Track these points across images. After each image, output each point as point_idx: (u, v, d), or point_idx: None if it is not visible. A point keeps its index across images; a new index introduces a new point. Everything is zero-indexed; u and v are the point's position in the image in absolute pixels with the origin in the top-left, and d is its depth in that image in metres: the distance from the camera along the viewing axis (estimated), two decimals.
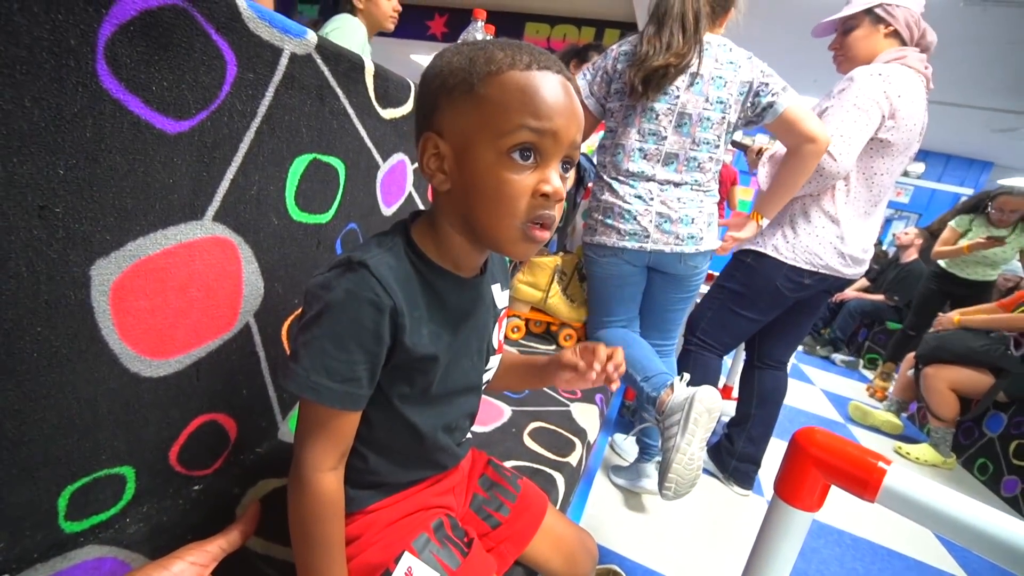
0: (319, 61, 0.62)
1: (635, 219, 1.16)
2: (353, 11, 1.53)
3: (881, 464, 0.49)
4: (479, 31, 1.12)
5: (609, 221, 1.18)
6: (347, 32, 1.46)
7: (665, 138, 1.14)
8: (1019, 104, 3.90)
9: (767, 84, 1.12)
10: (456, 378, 0.49)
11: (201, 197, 0.52)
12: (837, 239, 1.31)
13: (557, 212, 0.43)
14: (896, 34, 1.29)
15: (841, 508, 1.64)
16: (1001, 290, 3.35)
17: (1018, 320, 2.16)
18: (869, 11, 1.29)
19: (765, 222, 1.29)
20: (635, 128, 1.15)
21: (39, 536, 0.45)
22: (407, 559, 0.44)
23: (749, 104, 1.15)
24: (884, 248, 4.50)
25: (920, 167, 6.15)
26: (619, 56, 1.15)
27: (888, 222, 6.38)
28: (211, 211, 0.54)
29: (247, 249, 0.59)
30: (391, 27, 1.61)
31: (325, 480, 0.41)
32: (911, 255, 3.51)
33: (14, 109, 0.37)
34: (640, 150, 1.15)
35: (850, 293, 3.87)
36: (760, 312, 1.41)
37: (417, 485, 0.50)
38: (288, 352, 0.60)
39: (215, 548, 0.43)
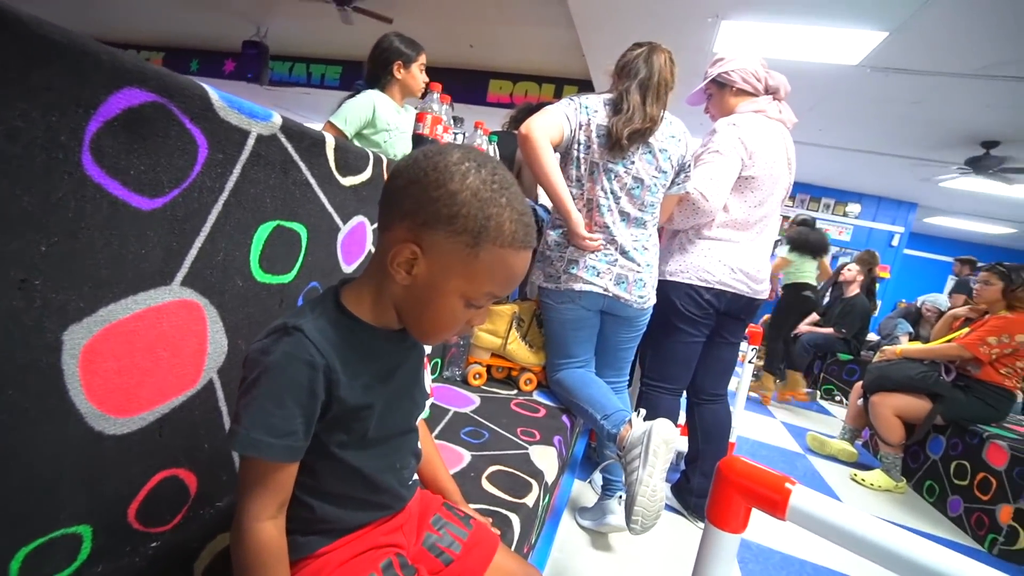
0: (283, 139, 0.69)
1: (599, 274, 1.27)
2: (388, 83, 1.83)
3: (787, 485, 0.56)
4: (435, 102, 1.23)
5: (573, 271, 1.28)
6: (356, 102, 1.75)
7: (620, 199, 1.26)
8: (929, 153, 4.35)
9: (688, 166, 1.32)
10: (394, 422, 0.54)
11: (171, 264, 0.57)
12: (725, 255, 1.47)
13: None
14: (742, 91, 1.54)
15: (796, 536, 1.70)
16: (928, 320, 3.64)
17: (946, 351, 2.34)
18: (714, 80, 1.58)
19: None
20: (599, 185, 1.26)
21: None
22: None
23: (673, 176, 1.31)
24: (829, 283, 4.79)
25: (856, 208, 6.66)
26: (581, 106, 1.24)
27: (834, 259, 6.81)
28: (180, 276, 0.58)
29: (212, 310, 0.63)
30: (420, 96, 1.90)
31: (265, 529, 0.44)
32: (853, 290, 3.77)
33: (6, 197, 0.42)
34: (606, 206, 1.26)
35: (803, 328, 4.08)
36: (684, 335, 1.52)
37: (366, 527, 0.53)
38: None
39: None
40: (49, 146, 0.44)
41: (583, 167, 1.26)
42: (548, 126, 1.20)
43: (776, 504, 0.55)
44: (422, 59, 1.84)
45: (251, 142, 0.64)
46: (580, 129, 1.23)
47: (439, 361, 1.38)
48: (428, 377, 0.61)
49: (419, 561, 0.57)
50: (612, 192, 1.25)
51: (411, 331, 0.54)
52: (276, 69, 5.81)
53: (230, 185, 0.62)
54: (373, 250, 0.97)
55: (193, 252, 0.59)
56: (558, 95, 4.93)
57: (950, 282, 7.90)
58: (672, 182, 1.31)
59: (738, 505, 0.59)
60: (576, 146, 1.25)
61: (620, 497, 1.40)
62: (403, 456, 0.57)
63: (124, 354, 0.53)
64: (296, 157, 0.72)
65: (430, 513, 0.63)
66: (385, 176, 0.86)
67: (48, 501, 0.49)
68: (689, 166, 1.31)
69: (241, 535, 0.44)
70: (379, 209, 0.51)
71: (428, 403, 0.62)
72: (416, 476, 0.61)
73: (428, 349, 0.61)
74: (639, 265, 1.29)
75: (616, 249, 1.28)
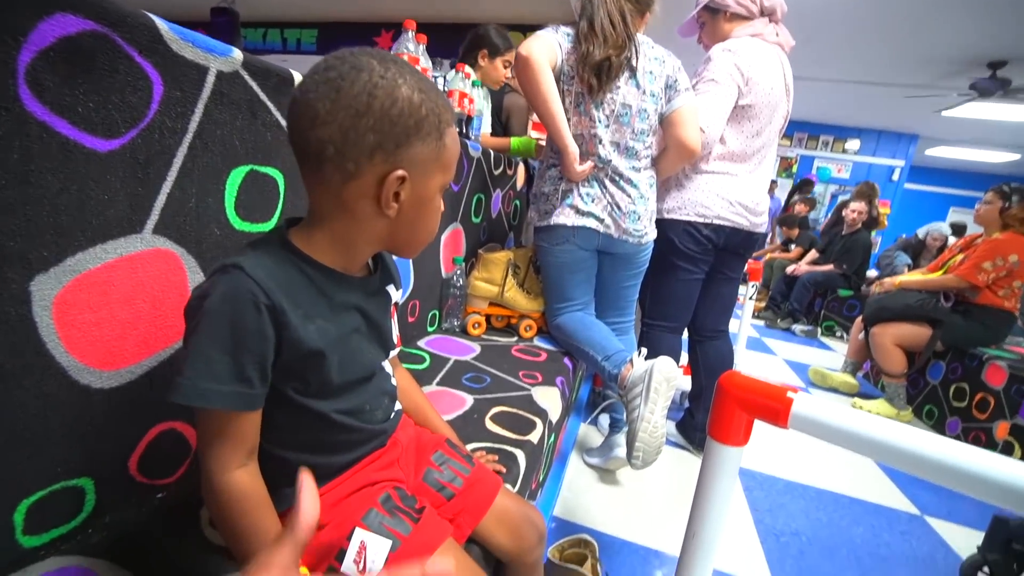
0: (247, 77, 0.65)
1: (592, 201, 1.24)
2: (472, 68, 1.83)
3: (789, 394, 0.55)
4: (411, 41, 1.16)
5: (568, 202, 1.25)
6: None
7: (608, 127, 1.22)
8: (932, 79, 4.20)
9: (677, 80, 1.24)
10: (355, 368, 0.51)
11: (139, 212, 0.54)
12: (723, 188, 1.43)
13: None
14: (736, 15, 1.46)
15: (803, 461, 1.74)
16: (931, 250, 3.61)
17: (944, 282, 2.33)
18: (706, 6, 1.49)
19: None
20: (587, 117, 1.21)
21: None
22: (359, 534, 0.46)
23: (665, 98, 1.24)
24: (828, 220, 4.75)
25: (856, 143, 6.52)
26: (563, 36, 1.18)
27: (833, 197, 6.73)
28: (150, 224, 0.56)
29: (191, 259, 0.61)
30: (497, 88, 1.99)
31: (235, 478, 0.42)
32: (856, 226, 3.73)
33: None
34: (594, 137, 1.22)
35: (803, 267, 4.07)
36: (684, 273, 1.50)
37: (355, 466, 0.53)
38: None
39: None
40: None
41: (568, 99, 1.21)
42: (546, 48, 1.15)
43: (778, 413, 0.54)
44: (509, 56, 1.92)
45: (211, 79, 0.60)
46: (565, 60, 1.18)
47: (437, 312, 1.37)
48: (394, 326, 0.59)
49: (419, 495, 0.56)
50: (599, 121, 1.21)
51: (401, 252, 0.54)
52: (249, 37, 5.54)
53: (193, 126, 0.59)
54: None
55: (161, 198, 0.57)
56: None
57: (952, 215, 7.84)
58: (668, 100, 1.25)
59: (739, 418, 0.58)
60: (562, 77, 1.19)
61: (625, 432, 1.43)
62: (372, 398, 0.54)
63: (100, 306, 0.52)
64: (263, 96, 0.68)
65: (431, 449, 0.63)
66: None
67: (41, 456, 0.49)
68: (677, 82, 1.25)
69: (212, 490, 0.42)
70: (322, 161, 0.44)
71: (395, 351, 0.60)
72: (398, 407, 0.60)
73: (395, 297, 0.59)
74: (631, 197, 1.25)
75: (607, 178, 1.25)
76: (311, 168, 0.46)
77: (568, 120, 1.22)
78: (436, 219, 0.53)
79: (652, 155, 1.31)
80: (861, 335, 2.64)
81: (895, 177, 6.44)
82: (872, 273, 4.26)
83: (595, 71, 1.15)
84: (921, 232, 4.25)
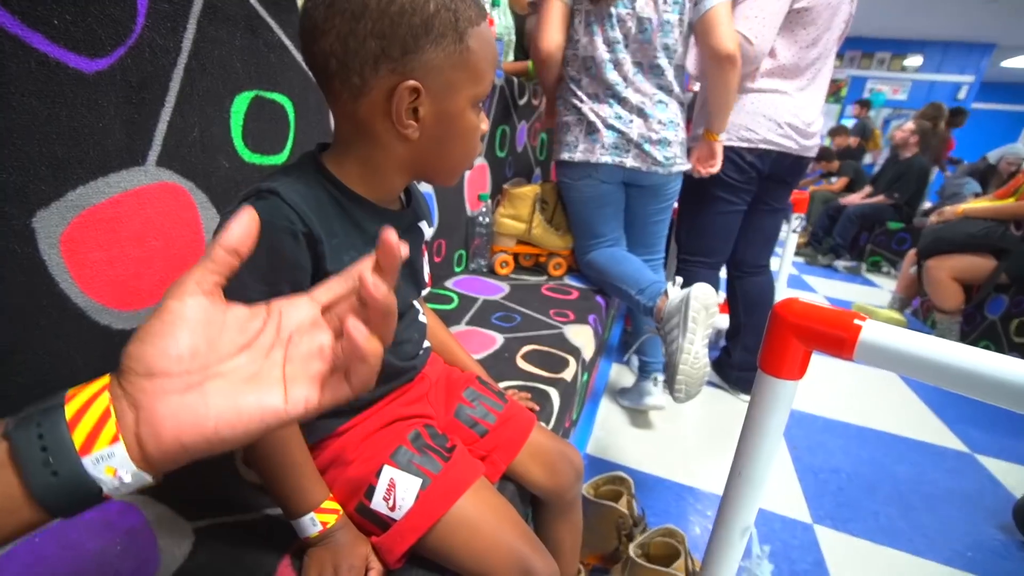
0: None
1: (617, 132, 1.15)
2: None
3: (856, 321, 0.49)
4: None
5: (591, 134, 1.17)
6: None
7: (628, 46, 1.10)
8: None
9: None
10: None
11: (138, 141, 0.51)
12: (770, 108, 1.29)
13: None
14: None
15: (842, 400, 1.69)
16: (1003, 176, 3.28)
17: (1017, 208, 2.12)
18: None
19: (724, 137, 1.26)
20: (600, 37, 1.10)
21: None
22: (387, 471, 0.45)
23: (692, 1, 1.09)
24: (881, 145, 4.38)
25: (917, 60, 5.88)
26: None
27: (886, 122, 6.18)
28: (152, 156, 0.52)
29: (200, 194, 0.57)
30: (524, 12, 1.98)
31: None
32: (911, 151, 3.41)
33: None
34: (611, 61, 1.12)
35: (851, 198, 3.81)
36: (723, 204, 1.39)
37: (382, 400, 0.51)
38: None
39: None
40: None
41: (577, 19, 1.10)
42: (557, 27, 1.12)
43: (843, 343, 0.48)
44: None
45: None
46: None
47: (463, 253, 1.33)
48: (426, 264, 0.55)
49: (451, 431, 0.55)
50: (616, 41, 1.09)
51: (435, 180, 0.48)
52: None
53: (187, 45, 0.53)
54: None
55: (162, 127, 0.52)
56: None
57: None
58: (695, 3, 1.10)
59: (796, 350, 0.53)
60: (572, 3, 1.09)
61: (655, 378, 1.39)
62: (401, 332, 0.52)
63: (111, 244, 0.49)
64: (262, 11, 0.62)
65: (462, 386, 0.60)
66: None
67: None
68: None
69: None
70: (329, 78, 0.40)
71: (425, 292, 0.57)
72: (427, 344, 0.58)
73: (427, 234, 0.54)
74: (661, 123, 1.15)
75: (630, 109, 1.14)
76: (324, 87, 0.42)
77: (578, 42, 1.13)
78: (472, 139, 0.46)
79: (680, 76, 1.18)
80: (913, 269, 2.47)
81: (961, 95, 5.82)
82: (927, 204, 3.95)
83: None
84: (993, 156, 3.83)
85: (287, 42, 0.66)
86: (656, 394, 1.38)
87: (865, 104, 4.82)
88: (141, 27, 0.49)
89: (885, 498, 1.24)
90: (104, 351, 0.50)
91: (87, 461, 0.20)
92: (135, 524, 0.45)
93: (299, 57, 0.69)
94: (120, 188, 0.49)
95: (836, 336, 0.49)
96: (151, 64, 0.50)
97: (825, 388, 1.77)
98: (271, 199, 0.39)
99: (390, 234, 0.24)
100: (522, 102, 1.50)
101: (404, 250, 0.25)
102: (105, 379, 0.21)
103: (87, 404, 0.20)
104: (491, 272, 1.33)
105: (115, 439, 0.20)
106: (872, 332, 0.47)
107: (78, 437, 0.20)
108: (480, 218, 1.28)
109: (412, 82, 0.39)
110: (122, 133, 0.49)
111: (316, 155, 0.45)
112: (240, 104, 0.61)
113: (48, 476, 0.19)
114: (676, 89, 1.17)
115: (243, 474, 0.53)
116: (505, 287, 1.23)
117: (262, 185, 0.40)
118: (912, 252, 2.52)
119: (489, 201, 1.33)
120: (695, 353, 0.93)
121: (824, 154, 4.39)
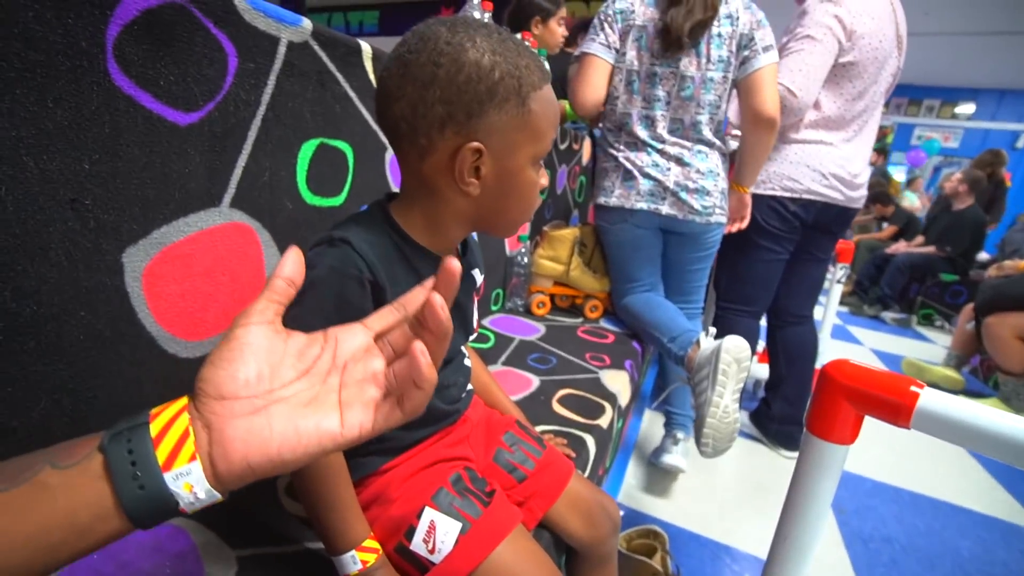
0: (316, 47, 0.64)
1: (655, 181, 1.17)
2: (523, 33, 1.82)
3: (914, 388, 0.47)
4: (476, 8, 1.12)
5: (628, 181, 1.19)
6: None
7: (669, 103, 1.13)
8: None
9: (754, 38, 1.10)
10: None
11: (217, 185, 0.55)
12: (815, 159, 1.28)
13: None
14: None
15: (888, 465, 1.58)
16: None
17: None
18: None
19: (764, 188, 1.28)
20: (640, 95, 1.14)
21: None
22: (428, 513, 0.46)
23: (738, 60, 1.12)
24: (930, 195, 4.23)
25: (970, 108, 5.73)
26: (614, 16, 1.12)
27: (937, 170, 5.98)
28: (227, 198, 0.57)
29: (265, 233, 0.62)
30: (556, 52, 1.92)
31: None
32: (965, 202, 3.28)
33: (39, 110, 0.40)
34: (647, 117, 1.15)
35: (899, 247, 3.67)
36: (765, 252, 1.37)
37: (425, 441, 0.52)
38: None
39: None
40: (71, 52, 0.41)
41: (618, 76, 1.14)
42: (598, 85, 1.16)
43: (899, 410, 0.47)
44: (561, 12, 1.81)
45: (282, 50, 0.59)
46: (621, 42, 1.11)
47: (500, 292, 1.35)
48: (475, 311, 0.57)
49: (489, 475, 0.55)
50: (656, 99, 1.12)
51: (494, 232, 0.50)
52: (314, 21, 5.77)
53: (266, 98, 0.59)
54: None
55: (238, 171, 0.57)
56: None
57: None
58: (741, 63, 1.11)
59: (847, 413, 0.51)
60: (616, 57, 1.14)
61: (675, 437, 1.31)
62: (448, 376, 0.54)
63: (184, 277, 0.53)
64: (332, 67, 0.67)
65: (501, 430, 0.61)
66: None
67: None
68: (754, 40, 1.10)
69: None
70: (399, 139, 0.44)
71: (473, 335, 0.59)
72: (470, 387, 0.59)
73: (479, 280, 0.56)
74: (700, 172, 1.15)
75: (667, 158, 1.16)
76: (394, 146, 0.46)
77: (617, 99, 1.17)
78: (531, 194, 0.48)
79: (719, 129, 1.20)
80: (970, 325, 2.34)
81: (1020, 144, 5.60)
82: (984, 256, 3.75)
83: (691, 31, 1.05)
84: None
85: (351, 94, 0.72)
86: (676, 453, 1.29)
87: (881, 151, 4.71)
88: (229, 84, 0.54)
89: None
90: (170, 378, 0.53)
91: (168, 477, 0.21)
92: (184, 548, 0.46)
93: (362, 107, 0.74)
94: (197, 227, 0.54)
95: (892, 402, 0.47)
96: (234, 116, 0.56)
97: (876, 447, 1.67)
98: (343, 248, 0.42)
99: (453, 262, 0.26)
100: (563, 147, 1.55)
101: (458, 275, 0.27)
102: (184, 400, 0.23)
103: (169, 423, 0.22)
104: (527, 312, 1.34)
105: (193, 457, 0.22)
106: (931, 400, 0.45)
107: (161, 454, 0.22)
108: (519, 258, 1.31)
109: (475, 144, 0.42)
110: (204, 178, 0.54)
111: (385, 205, 0.48)
112: (307, 150, 0.66)
113: (136, 489, 0.21)
114: (717, 143, 1.19)
115: (286, 506, 0.54)
116: (541, 328, 1.23)
117: (335, 233, 0.43)
118: (969, 307, 2.39)
119: (528, 242, 1.35)
120: (724, 407, 0.90)
121: (880, 196, 4.24)
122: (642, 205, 1.17)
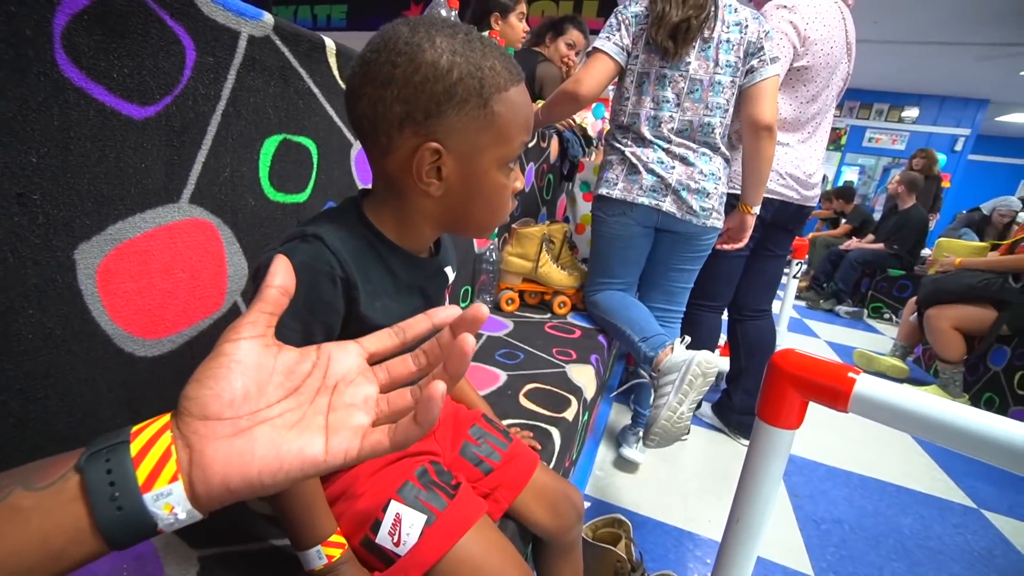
0: (278, 42, 0.63)
1: (658, 177, 1.17)
2: (488, 31, 1.80)
3: (851, 375, 0.51)
4: (442, 6, 1.12)
5: (632, 175, 1.19)
6: None
7: (679, 105, 1.14)
8: (1007, 36, 3.83)
9: (762, 47, 1.13)
10: (412, 348, 0.50)
11: (175, 180, 0.54)
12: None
13: None
14: None
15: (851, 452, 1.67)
16: (997, 227, 3.33)
17: (1015, 262, 2.15)
18: None
19: (756, 209, 1.27)
20: (649, 96, 1.15)
21: None
22: (394, 506, 0.46)
23: (744, 68, 1.15)
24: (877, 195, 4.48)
25: (914, 112, 6.07)
26: (630, 19, 1.13)
27: (886, 171, 6.32)
28: (187, 194, 0.56)
29: (227, 230, 0.61)
30: (519, 47, 1.90)
31: None
32: (907, 202, 3.49)
33: None
34: (655, 118, 1.16)
35: (852, 244, 3.86)
36: (728, 249, 1.41)
37: None
38: None
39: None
40: (15, 41, 0.40)
41: (629, 78, 1.15)
42: (601, 81, 1.14)
43: (837, 395, 0.50)
44: (521, 8, 1.80)
45: (243, 44, 0.58)
46: (634, 45, 1.13)
47: (469, 288, 1.35)
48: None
49: (456, 468, 0.56)
50: (666, 101, 1.14)
51: (465, 233, 0.50)
52: (280, 15, 5.59)
53: (226, 93, 0.58)
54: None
55: (197, 167, 0.56)
56: (577, 9, 4.56)
57: (1023, 188, 7.23)
58: (748, 71, 1.15)
59: (793, 400, 0.55)
60: (628, 60, 1.15)
61: (638, 434, 1.37)
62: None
63: (141, 275, 0.52)
64: (295, 63, 0.67)
65: (468, 424, 0.62)
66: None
67: (91, 421, 0.50)
68: (762, 50, 1.13)
69: None
70: (364, 137, 0.45)
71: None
72: None
73: (451, 277, 0.57)
74: (703, 173, 1.17)
75: (673, 156, 1.17)
76: (363, 146, 0.46)
77: (627, 100, 1.18)
78: (499, 198, 0.47)
79: (726, 132, 1.21)
80: (914, 317, 2.49)
81: (958, 147, 5.98)
82: (927, 252, 4.00)
83: (670, 34, 1.07)
84: (987, 207, 3.92)
85: (315, 90, 0.71)
86: (634, 447, 1.37)
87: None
88: (187, 78, 0.53)
89: (890, 552, 1.22)
90: (127, 378, 0.52)
91: (148, 498, 0.21)
92: (144, 551, 0.46)
93: (326, 103, 0.74)
94: (155, 223, 0.53)
95: (831, 388, 0.51)
96: (193, 111, 0.55)
97: (828, 435, 1.76)
98: (315, 243, 0.41)
99: (482, 309, 0.27)
100: (530, 144, 1.56)
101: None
102: (166, 417, 0.23)
103: (151, 442, 0.21)
104: (496, 308, 1.35)
105: (175, 477, 0.21)
106: (866, 385, 0.49)
107: (141, 474, 0.21)
108: (487, 255, 1.32)
109: (434, 144, 0.42)
110: (161, 173, 0.53)
111: (358, 202, 0.48)
112: (269, 146, 0.65)
113: (113, 511, 0.20)
114: (722, 147, 1.20)
115: (250, 504, 0.54)
116: (509, 324, 1.25)
117: (307, 229, 0.42)
118: (913, 300, 2.54)
119: (497, 240, 1.37)
120: (680, 413, 0.96)
121: (844, 193, 4.49)
122: (644, 200, 1.18)
